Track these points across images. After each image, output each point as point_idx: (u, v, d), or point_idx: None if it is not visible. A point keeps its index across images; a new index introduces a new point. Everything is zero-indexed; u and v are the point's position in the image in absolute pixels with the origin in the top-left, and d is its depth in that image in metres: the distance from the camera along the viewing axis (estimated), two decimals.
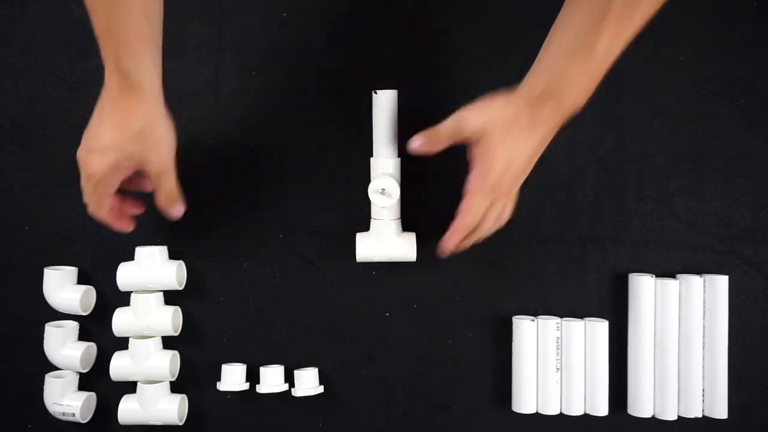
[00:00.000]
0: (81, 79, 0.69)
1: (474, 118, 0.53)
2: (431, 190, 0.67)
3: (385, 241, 0.63)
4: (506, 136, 0.52)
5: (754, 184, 0.66)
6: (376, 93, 0.62)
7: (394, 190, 0.61)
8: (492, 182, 0.54)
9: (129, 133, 0.53)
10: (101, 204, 0.57)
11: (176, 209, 0.61)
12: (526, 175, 0.56)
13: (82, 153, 0.55)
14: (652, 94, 0.67)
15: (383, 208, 0.62)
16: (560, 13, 0.50)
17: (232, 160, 0.68)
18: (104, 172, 0.54)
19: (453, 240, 0.58)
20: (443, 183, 0.67)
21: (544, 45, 0.51)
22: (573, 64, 0.49)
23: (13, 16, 0.69)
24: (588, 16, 0.47)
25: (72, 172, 0.68)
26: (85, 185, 0.56)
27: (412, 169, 0.66)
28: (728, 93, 0.66)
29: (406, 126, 0.66)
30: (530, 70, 0.52)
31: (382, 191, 0.61)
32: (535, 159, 0.55)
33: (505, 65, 0.67)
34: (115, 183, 0.56)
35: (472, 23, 0.67)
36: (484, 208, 0.55)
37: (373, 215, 0.64)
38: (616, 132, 0.67)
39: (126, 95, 0.52)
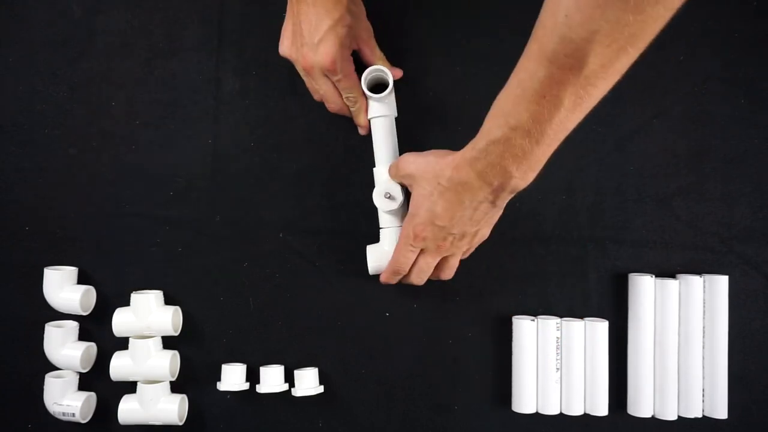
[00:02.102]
0: (81, 79, 0.69)
1: (409, 163, 0.56)
2: None
3: None
4: (431, 189, 0.53)
5: (754, 184, 0.66)
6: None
7: (398, 193, 0.61)
8: (414, 230, 0.56)
9: (342, 10, 0.56)
10: (354, 87, 0.60)
11: (392, 69, 0.63)
12: (467, 241, 0.58)
13: (308, 56, 0.58)
14: (652, 94, 0.67)
15: (390, 212, 0.62)
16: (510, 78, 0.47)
17: (232, 159, 0.68)
18: (340, 52, 0.57)
19: (384, 278, 0.62)
20: None
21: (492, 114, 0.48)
22: (497, 134, 0.46)
23: (13, 16, 0.69)
24: (518, 83, 0.44)
25: (72, 172, 0.69)
26: (333, 78, 0.59)
27: None
28: (728, 93, 0.66)
29: (407, 128, 0.66)
30: (479, 134, 0.49)
31: (387, 195, 0.61)
32: (474, 227, 0.56)
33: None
34: (349, 58, 0.59)
35: (471, 23, 0.67)
36: (410, 256, 0.58)
37: (381, 225, 0.64)
38: (616, 132, 0.67)
39: None
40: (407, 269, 0.59)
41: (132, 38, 0.68)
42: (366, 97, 0.62)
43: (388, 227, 0.63)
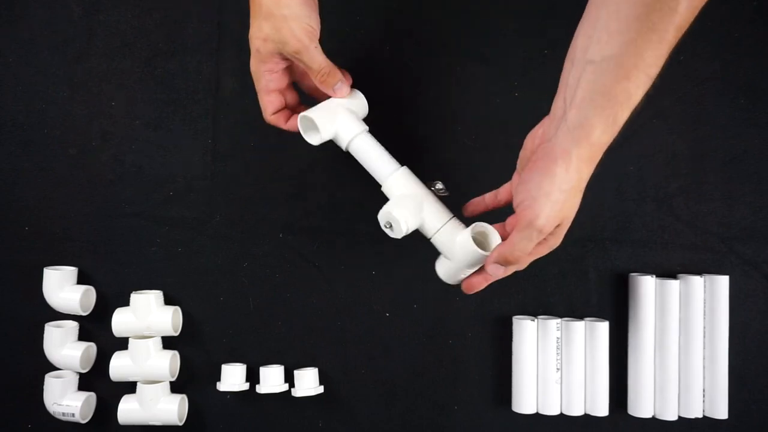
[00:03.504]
0: (81, 79, 0.69)
1: (552, 220, 0.47)
2: None
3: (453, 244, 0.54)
4: (577, 201, 0.48)
5: (754, 184, 0.66)
6: None
7: (397, 227, 0.52)
8: (554, 245, 0.51)
9: (260, 17, 0.52)
10: (264, 105, 0.56)
11: (338, 88, 0.55)
12: None
13: None
14: (652, 94, 0.66)
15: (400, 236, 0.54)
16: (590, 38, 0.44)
17: (232, 159, 0.68)
18: (253, 66, 0.54)
19: (493, 272, 0.51)
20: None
21: (580, 82, 0.44)
22: (636, 90, 0.44)
23: (13, 16, 0.69)
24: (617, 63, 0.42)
25: (72, 172, 0.69)
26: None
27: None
28: (728, 93, 0.66)
29: (407, 129, 0.66)
30: (573, 116, 0.44)
31: (387, 225, 0.53)
32: None
33: (506, 65, 0.67)
34: (267, 76, 0.54)
35: (471, 22, 0.67)
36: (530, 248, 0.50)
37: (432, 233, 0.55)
38: None
39: None
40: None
41: (132, 38, 0.68)
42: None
43: (440, 229, 0.53)
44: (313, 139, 0.55)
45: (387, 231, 0.53)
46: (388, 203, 0.53)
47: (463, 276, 0.54)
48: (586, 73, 0.44)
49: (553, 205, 0.46)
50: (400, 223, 0.52)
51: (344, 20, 0.68)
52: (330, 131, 0.55)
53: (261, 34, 0.52)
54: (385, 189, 0.55)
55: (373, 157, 0.56)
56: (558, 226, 0.48)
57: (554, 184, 0.45)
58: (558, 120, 0.46)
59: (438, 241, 0.53)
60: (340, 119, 0.55)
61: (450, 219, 0.54)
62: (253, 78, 0.55)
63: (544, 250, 0.51)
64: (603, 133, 0.44)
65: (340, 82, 0.55)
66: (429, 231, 0.53)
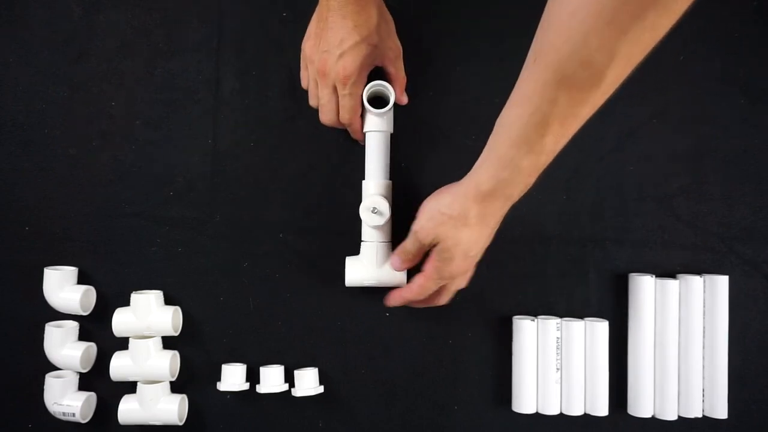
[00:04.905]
0: (81, 79, 0.69)
1: (426, 230, 0.55)
2: None
3: (375, 264, 0.63)
4: (459, 234, 0.53)
5: (754, 184, 0.66)
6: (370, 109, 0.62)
7: (385, 209, 0.60)
8: (449, 273, 0.56)
9: (370, 28, 0.57)
10: (356, 106, 0.60)
11: (405, 96, 0.65)
12: (480, 256, 0.58)
13: (327, 62, 0.58)
14: (652, 94, 0.67)
15: (375, 227, 0.62)
16: (507, 103, 0.48)
17: (232, 159, 0.68)
18: (359, 70, 0.58)
19: (395, 301, 0.61)
20: None
21: (491, 137, 0.49)
22: (521, 161, 0.47)
23: (13, 16, 0.69)
24: (534, 110, 0.44)
25: (72, 172, 0.69)
26: (341, 91, 0.60)
27: (403, 192, 0.66)
28: (728, 93, 0.66)
29: (402, 139, 0.66)
30: (477, 162, 0.51)
31: (374, 210, 0.61)
32: (489, 240, 0.56)
33: (499, 67, 0.67)
34: (363, 79, 0.60)
35: (469, 25, 0.67)
36: (436, 288, 0.59)
37: (364, 238, 0.64)
38: (616, 132, 0.67)
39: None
40: (428, 296, 0.60)
41: (132, 38, 0.68)
42: (364, 111, 0.62)
43: (370, 241, 0.63)
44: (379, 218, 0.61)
45: (374, 217, 0.61)
46: (368, 195, 0.62)
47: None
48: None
49: (430, 216, 0.54)
50: (386, 204, 0.60)
51: None
52: (389, 110, 0.63)
53: (372, 45, 0.58)
54: (367, 185, 0.63)
55: (382, 155, 0.63)
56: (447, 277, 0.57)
57: (438, 202, 0.54)
58: None
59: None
60: (389, 109, 0.62)
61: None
62: (353, 81, 0.59)
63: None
64: (489, 177, 0.50)
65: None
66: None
